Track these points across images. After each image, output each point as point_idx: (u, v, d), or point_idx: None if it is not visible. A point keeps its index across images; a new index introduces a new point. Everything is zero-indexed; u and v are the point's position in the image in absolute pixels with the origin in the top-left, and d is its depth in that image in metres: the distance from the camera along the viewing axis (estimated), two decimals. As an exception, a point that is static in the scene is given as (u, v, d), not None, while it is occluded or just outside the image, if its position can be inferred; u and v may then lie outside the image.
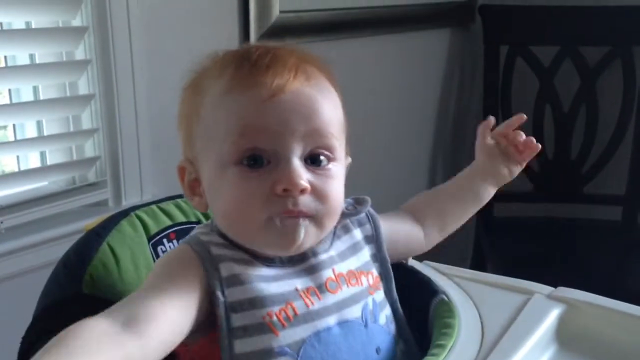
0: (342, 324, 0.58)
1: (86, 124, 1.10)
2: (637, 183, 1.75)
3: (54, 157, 1.10)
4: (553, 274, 0.75)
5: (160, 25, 1.15)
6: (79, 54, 1.07)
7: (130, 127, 1.12)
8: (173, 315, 0.50)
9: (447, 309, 0.65)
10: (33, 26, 1.03)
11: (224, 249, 0.57)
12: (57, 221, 1.06)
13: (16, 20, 1.01)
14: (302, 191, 0.55)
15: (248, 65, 0.56)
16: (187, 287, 0.53)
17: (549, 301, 0.69)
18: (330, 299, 0.58)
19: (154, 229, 0.68)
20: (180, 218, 0.71)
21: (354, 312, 0.60)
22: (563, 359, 0.64)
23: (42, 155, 1.09)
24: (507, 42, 1.79)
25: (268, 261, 0.58)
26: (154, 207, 0.71)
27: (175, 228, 0.70)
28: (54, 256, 0.69)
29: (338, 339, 0.57)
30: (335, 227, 0.63)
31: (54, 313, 0.59)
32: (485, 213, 1.87)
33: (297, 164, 0.55)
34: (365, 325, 0.60)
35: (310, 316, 0.56)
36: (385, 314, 0.63)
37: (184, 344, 0.53)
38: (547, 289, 0.71)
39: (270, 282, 0.56)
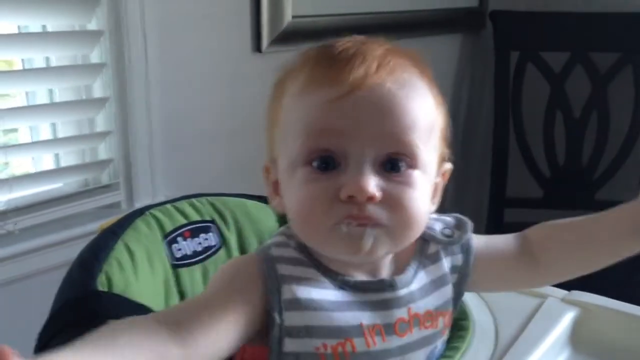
0: None
1: (100, 126, 1.11)
2: (648, 190, 1.73)
3: (68, 159, 1.10)
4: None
5: (174, 29, 1.16)
6: (94, 57, 1.08)
7: (143, 130, 1.12)
8: (222, 332, 0.49)
9: (461, 311, 0.65)
10: (49, 29, 1.04)
11: (294, 266, 0.54)
12: (71, 223, 1.06)
13: (33, 23, 1.03)
14: (370, 199, 0.49)
15: (327, 61, 0.52)
16: (243, 305, 0.51)
17: (562, 304, 0.69)
18: (395, 342, 0.54)
19: (169, 227, 0.69)
20: (195, 217, 0.71)
21: (419, 356, 0.55)
22: (577, 362, 0.64)
23: (56, 157, 1.10)
24: (518, 48, 1.79)
25: (342, 282, 0.54)
26: (168, 206, 0.71)
27: (190, 227, 0.70)
28: (67, 257, 0.69)
29: None
30: (423, 254, 0.58)
31: (70, 310, 0.60)
32: (495, 219, 1.88)
33: (367, 168, 0.50)
34: None
35: (368, 357, 0.53)
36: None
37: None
38: (561, 292, 0.71)
39: (334, 312, 0.52)
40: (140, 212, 0.69)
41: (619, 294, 0.71)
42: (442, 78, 0.59)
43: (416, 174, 0.52)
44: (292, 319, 0.51)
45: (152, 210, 0.69)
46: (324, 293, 0.53)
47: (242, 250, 0.74)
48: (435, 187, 0.57)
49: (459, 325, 0.63)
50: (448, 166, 0.58)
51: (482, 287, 0.63)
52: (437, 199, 0.58)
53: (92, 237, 0.69)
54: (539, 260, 0.58)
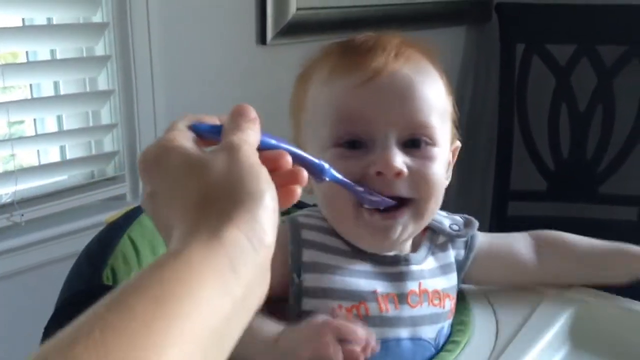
0: (415, 340, 0.57)
1: (105, 119, 1.12)
2: (653, 183, 1.73)
3: (74, 151, 1.11)
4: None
5: (178, 21, 1.16)
6: (99, 50, 1.08)
7: (148, 122, 1.13)
8: None
9: (462, 306, 0.65)
10: (54, 22, 1.04)
11: (318, 232, 0.57)
12: (76, 215, 1.07)
13: (38, 16, 1.03)
14: (398, 175, 0.54)
15: (350, 51, 0.57)
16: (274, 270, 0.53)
17: (562, 300, 0.69)
18: (407, 311, 0.57)
19: (173, 222, 0.69)
20: (199, 212, 0.72)
21: (429, 332, 0.59)
22: (576, 357, 0.64)
23: (62, 149, 1.10)
24: (524, 40, 1.78)
25: (361, 254, 0.58)
26: (173, 201, 0.71)
27: (194, 222, 0.70)
28: (72, 249, 0.70)
29: (407, 353, 0.57)
30: (433, 243, 0.63)
31: (76, 303, 0.60)
32: (499, 212, 1.88)
33: (393, 147, 0.54)
34: (436, 349, 0.59)
35: (381, 321, 0.56)
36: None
37: None
38: (561, 287, 0.71)
39: (351, 277, 0.56)
40: (144, 206, 0.70)
41: (619, 290, 0.71)
42: (447, 70, 0.63)
43: (435, 150, 0.57)
44: (310, 280, 0.55)
45: (157, 204, 0.70)
46: (343, 260, 0.57)
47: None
48: (448, 164, 0.61)
49: (460, 320, 0.64)
50: (457, 144, 0.64)
51: (480, 281, 0.68)
52: (449, 176, 0.62)
53: (97, 229, 0.69)
54: (539, 264, 0.67)
